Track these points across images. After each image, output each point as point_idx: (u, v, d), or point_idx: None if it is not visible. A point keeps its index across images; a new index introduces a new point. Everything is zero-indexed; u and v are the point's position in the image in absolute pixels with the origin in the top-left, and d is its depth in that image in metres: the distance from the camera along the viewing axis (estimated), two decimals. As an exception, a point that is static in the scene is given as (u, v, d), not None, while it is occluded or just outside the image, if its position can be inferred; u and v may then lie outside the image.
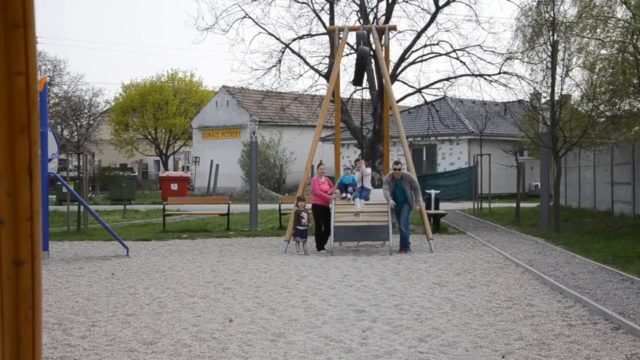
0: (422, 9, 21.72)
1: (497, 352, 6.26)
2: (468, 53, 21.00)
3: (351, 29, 17.06)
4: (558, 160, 17.86)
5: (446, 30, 22.23)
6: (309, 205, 15.45)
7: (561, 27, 18.16)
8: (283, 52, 21.55)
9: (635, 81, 16.88)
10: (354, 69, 16.92)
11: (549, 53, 17.83)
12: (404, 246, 14.29)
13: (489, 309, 8.17)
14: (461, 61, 20.99)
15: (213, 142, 46.40)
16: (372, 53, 18.64)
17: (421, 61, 21.34)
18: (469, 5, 21.11)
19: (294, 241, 14.59)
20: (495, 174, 29.36)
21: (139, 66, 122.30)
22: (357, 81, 17.09)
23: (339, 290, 9.66)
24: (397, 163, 14.64)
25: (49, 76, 44.82)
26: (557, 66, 17.75)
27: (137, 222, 22.66)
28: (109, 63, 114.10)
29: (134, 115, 54.14)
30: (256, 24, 21.56)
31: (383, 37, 17.22)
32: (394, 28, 18.08)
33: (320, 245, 14.74)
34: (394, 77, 19.86)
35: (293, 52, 21.47)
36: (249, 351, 6.37)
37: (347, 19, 21.44)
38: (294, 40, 21.65)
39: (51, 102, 42.69)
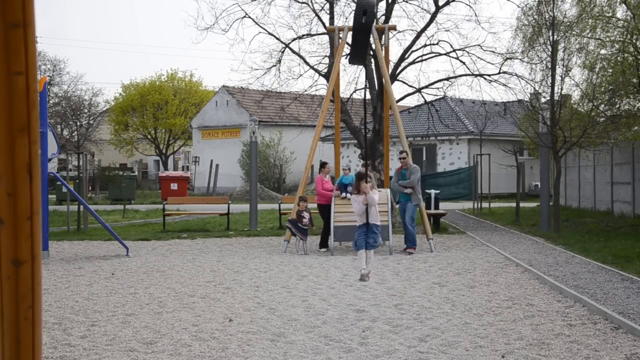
0: (422, 8, 21.72)
1: (497, 352, 6.26)
2: (468, 53, 21.00)
3: (351, 29, 17.03)
4: (558, 160, 17.85)
5: (446, 30, 22.25)
6: (312, 205, 15.44)
7: (561, 27, 18.16)
8: (283, 52, 21.55)
9: (635, 81, 16.87)
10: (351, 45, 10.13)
11: (549, 53, 17.82)
12: (412, 244, 14.15)
13: (488, 309, 8.17)
14: (461, 61, 20.98)
15: (213, 142, 46.38)
16: (372, 52, 18.65)
17: (421, 61, 21.32)
18: (469, 5, 21.11)
19: (293, 236, 14.55)
20: (495, 173, 29.34)
21: (139, 66, 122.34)
22: (355, 56, 9.99)
23: (338, 290, 9.66)
24: (402, 152, 14.74)
25: (49, 76, 44.83)
26: (557, 66, 17.74)
27: (137, 221, 22.65)
28: (109, 63, 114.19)
29: (134, 115, 54.11)
30: (256, 23, 21.56)
31: (383, 37, 17.21)
32: (393, 28, 18.06)
33: (322, 244, 14.76)
34: (393, 77, 19.84)
35: (293, 52, 21.46)
36: (249, 351, 6.37)
37: (347, 19, 21.42)
38: (293, 40, 21.64)
39: (51, 102, 42.70)
